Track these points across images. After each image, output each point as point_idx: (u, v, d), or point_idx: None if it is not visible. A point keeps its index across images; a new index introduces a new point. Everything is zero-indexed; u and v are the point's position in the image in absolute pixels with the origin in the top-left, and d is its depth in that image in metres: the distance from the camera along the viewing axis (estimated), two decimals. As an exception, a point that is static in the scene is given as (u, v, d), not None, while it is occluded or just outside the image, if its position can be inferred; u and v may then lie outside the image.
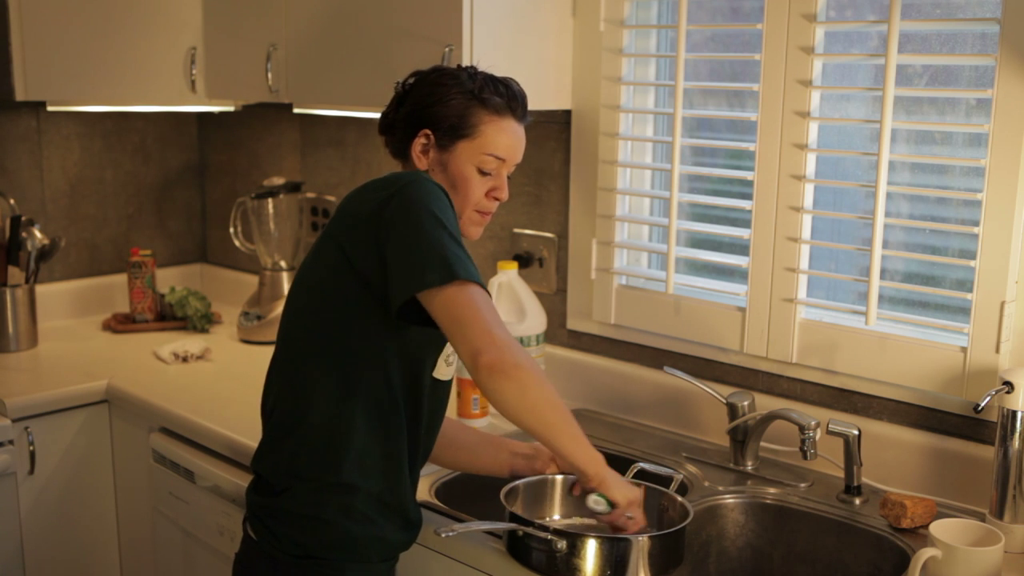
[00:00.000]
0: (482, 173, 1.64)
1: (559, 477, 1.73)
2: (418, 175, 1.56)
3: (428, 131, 1.63)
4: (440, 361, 1.64)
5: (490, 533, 1.65)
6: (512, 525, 1.55)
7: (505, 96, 1.64)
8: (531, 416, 1.45)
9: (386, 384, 1.58)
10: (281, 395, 1.64)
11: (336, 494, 1.58)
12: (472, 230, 1.68)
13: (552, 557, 1.51)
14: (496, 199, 1.67)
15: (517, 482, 1.70)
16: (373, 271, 1.53)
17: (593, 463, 1.51)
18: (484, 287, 1.48)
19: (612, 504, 1.52)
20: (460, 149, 1.63)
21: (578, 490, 1.67)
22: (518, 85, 1.67)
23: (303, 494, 1.59)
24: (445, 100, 1.62)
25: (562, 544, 1.50)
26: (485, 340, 1.43)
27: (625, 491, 1.52)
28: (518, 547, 1.57)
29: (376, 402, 1.57)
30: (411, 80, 1.68)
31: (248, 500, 1.69)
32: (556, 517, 1.73)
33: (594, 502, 1.53)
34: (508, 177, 1.68)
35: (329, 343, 1.58)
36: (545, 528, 1.52)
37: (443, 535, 1.52)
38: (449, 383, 1.70)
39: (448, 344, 1.63)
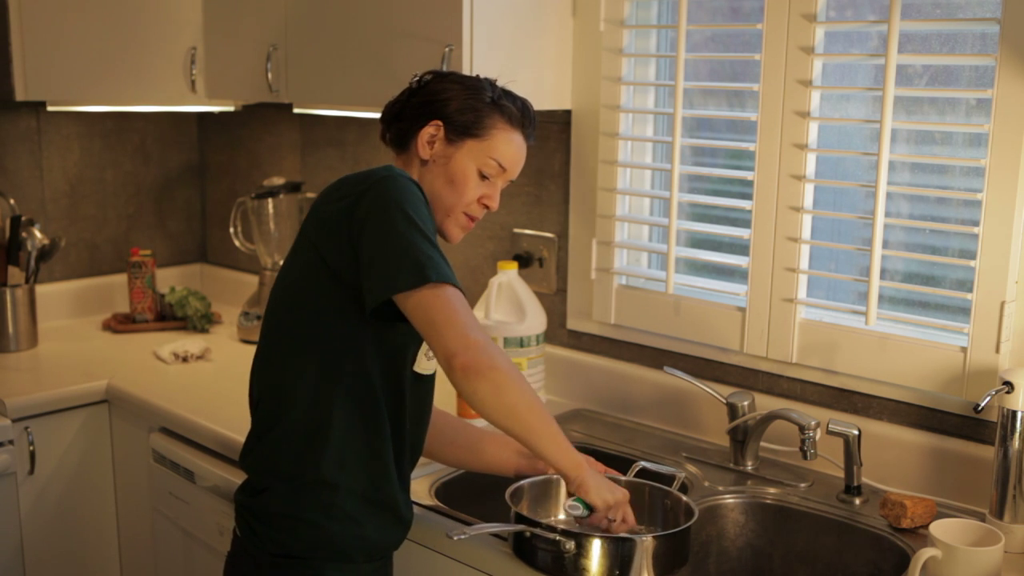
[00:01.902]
0: (481, 176, 1.65)
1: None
2: (392, 171, 1.56)
3: (439, 122, 1.63)
4: (420, 355, 1.64)
5: (495, 535, 1.64)
6: (521, 527, 1.55)
7: (520, 110, 1.67)
8: (508, 417, 1.46)
9: (365, 379, 1.57)
10: (262, 394, 1.65)
11: (316, 492, 1.58)
12: (455, 232, 1.68)
13: (559, 557, 1.51)
14: (486, 206, 1.67)
15: (522, 482, 1.70)
16: (347, 268, 1.53)
17: (573, 466, 1.50)
18: (458, 286, 1.48)
19: (591, 508, 1.51)
20: (467, 147, 1.63)
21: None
22: (532, 107, 1.70)
23: (282, 493, 1.60)
24: (461, 98, 1.63)
25: (570, 545, 1.50)
26: (460, 342, 1.43)
27: (604, 495, 1.51)
28: (524, 548, 1.57)
29: (356, 398, 1.57)
30: (428, 76, 1.69)
31: (235, 499, 1.69)
32: (561, 517, 1.73)
33: (570, 507, 1.53)
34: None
35: (306, 340, 1.58)
36: (553, 529, 1.52)
37: (455, 538, 1.51)
38: (432, 377, 1.69)
39: None
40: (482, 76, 1.71)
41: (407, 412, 1.64)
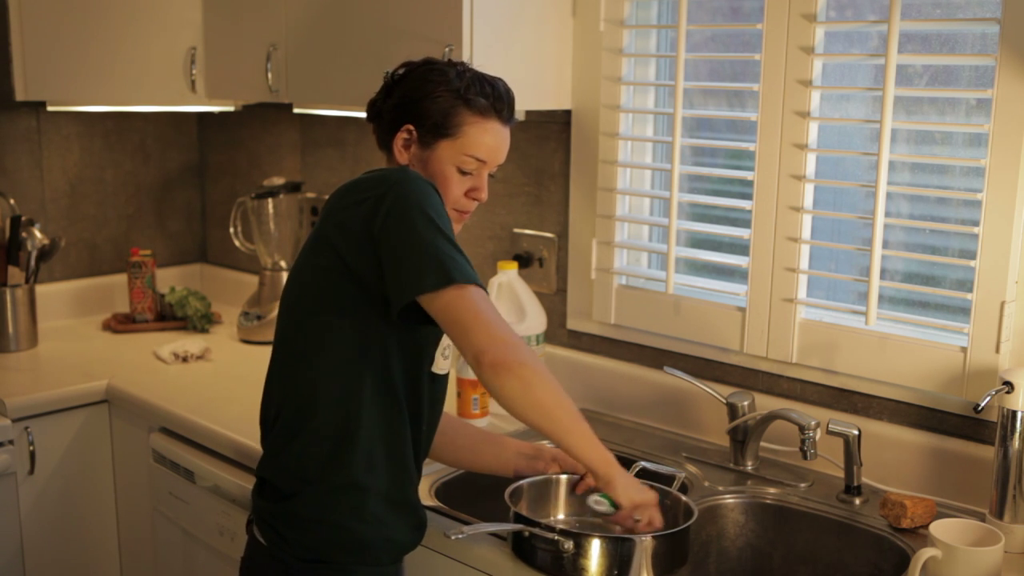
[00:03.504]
0: (462, 173, 1.64)
1: (563, 477, 1.73)
2: (407, 173, 1.56)
3: (411, 126, 1.63)
4: (437, 355, 1.65)
5: (494, 534, 1.64)
6: (520, 526, 1.55)
7: (491, 97, 1.63)
8: (537, 413, 1.45)
9: (388, 381, 1.58)
10: (285, 399, 1.63)
11: (346, 495, 1.58)
12: None
13: (558, 557, 1.51)
14: (475, 199, 1.67)
15: (521, 482, 1.70)
16: (369, 272, 1.53)
17: (603, 463, 1.50)
18: (482, 286, 1.49)
19: (616, 505, 1.51)
20: (441, 148, 1.62)
21: (581, 488, 1.68)
22: (505, 85, 1.67)
23: (313, 497, 1.59)
24: (431, 97, 1.61)
25: (569, 544, 1.50)
26: (487, 340, 1.44)
27: (632, 493, 1.51)
28: (523, 547, 1.57)
29: (380, 399, 1.58)
30: (401, 71, 1.67)
31: (254, 504, 1.68)
32: (560, 517, 1.73)
33: (595, 502, 1.52)
34: (491, 176, 1.68)
35: (329, 343, 1.58)
36: (552, 529, 1.52)
37: (453, 537, 1.51)
38: (446, 377, 1.70)
39: (444, 338, 1.64)
40: (454, 60, 1.69)
41: (424, 412, 1.64)
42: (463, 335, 1.45)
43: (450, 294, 1.45)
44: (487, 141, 1.63)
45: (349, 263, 1.54)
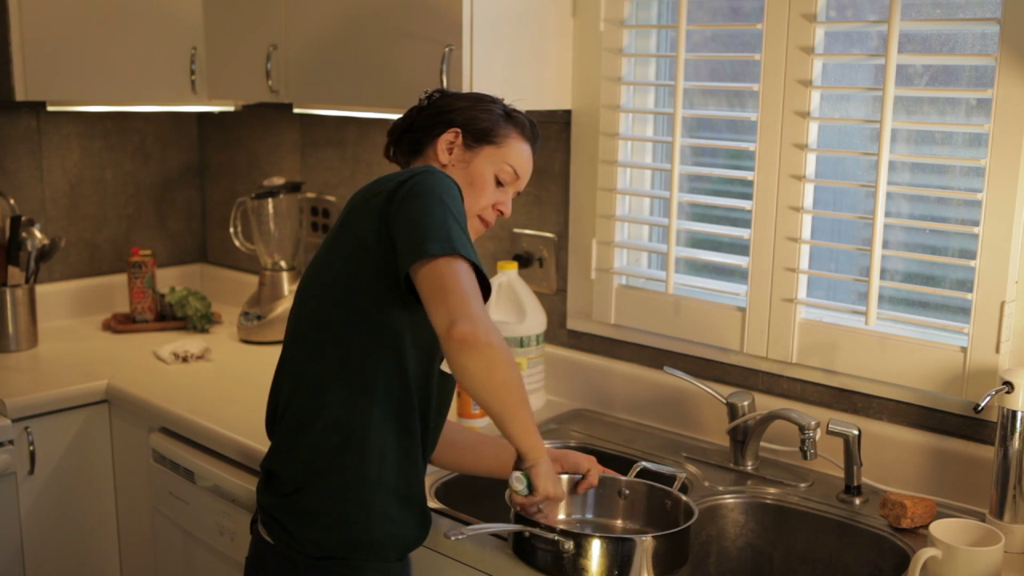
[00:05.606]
0: (497, 183, 1.70)
1: (563, 477, 1.73)
2: (433, 168, 1.59)
3: (458, 129, 1.68)
4: None
5: (495, 535, 1.65)
6: (519, 526, 1.55)
7: (528, 124, 1.74)
8: (491, 396, 1.46)
9: (400, 377, 1.58)
10: (295, 392, 1.64)
11: (356, 490, 1.58)
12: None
13: (558, 557, 1.51)
14: (500, 212, 1.72)
15: None
16: (383, 255, 1.54)
17: (534, 450, 1.51)
18: (480, 269, 1.49)
19: (532, 489, 1.52)
20: (485, 153, 1.69)
21: (582, 488, 1.70)
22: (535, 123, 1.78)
23: (321, 491, 1.59)
24: (478, 109, 1.70)
25: (569, 544, 1.50)
26: (462, 312, 1.42)
27: (549, 484, 1.52)
28: (524, 548, 1.57)
29: (391, 396, 1.58)
30: (436, 93, 1.74)
31: (260, 501, 1.68)
32: (560, 517, 1.73)
33: (516, 479, 1.52)
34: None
35: (345, 336, 1.58)
36: (552, 529, 1.52)
37: (452, 538, 1.51)
38: (454, 378, 1.70)
39: None
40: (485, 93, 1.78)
41: (432, 411, 1.65)
42: (440, 301, 1.44)
43: (443, 261, 1.46)
44: (522, 159, 1.72)
45: (369, 249, 1.55)
